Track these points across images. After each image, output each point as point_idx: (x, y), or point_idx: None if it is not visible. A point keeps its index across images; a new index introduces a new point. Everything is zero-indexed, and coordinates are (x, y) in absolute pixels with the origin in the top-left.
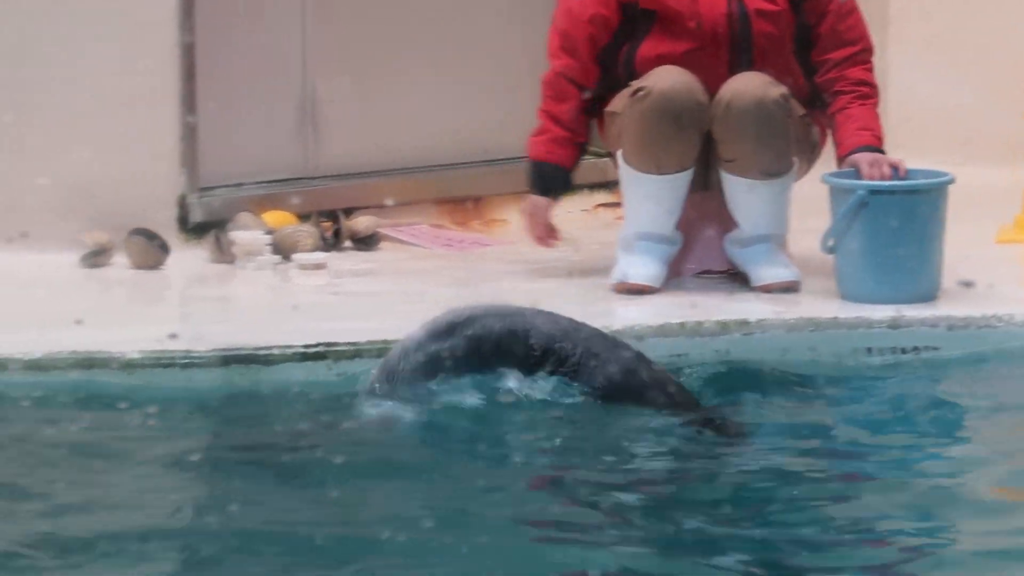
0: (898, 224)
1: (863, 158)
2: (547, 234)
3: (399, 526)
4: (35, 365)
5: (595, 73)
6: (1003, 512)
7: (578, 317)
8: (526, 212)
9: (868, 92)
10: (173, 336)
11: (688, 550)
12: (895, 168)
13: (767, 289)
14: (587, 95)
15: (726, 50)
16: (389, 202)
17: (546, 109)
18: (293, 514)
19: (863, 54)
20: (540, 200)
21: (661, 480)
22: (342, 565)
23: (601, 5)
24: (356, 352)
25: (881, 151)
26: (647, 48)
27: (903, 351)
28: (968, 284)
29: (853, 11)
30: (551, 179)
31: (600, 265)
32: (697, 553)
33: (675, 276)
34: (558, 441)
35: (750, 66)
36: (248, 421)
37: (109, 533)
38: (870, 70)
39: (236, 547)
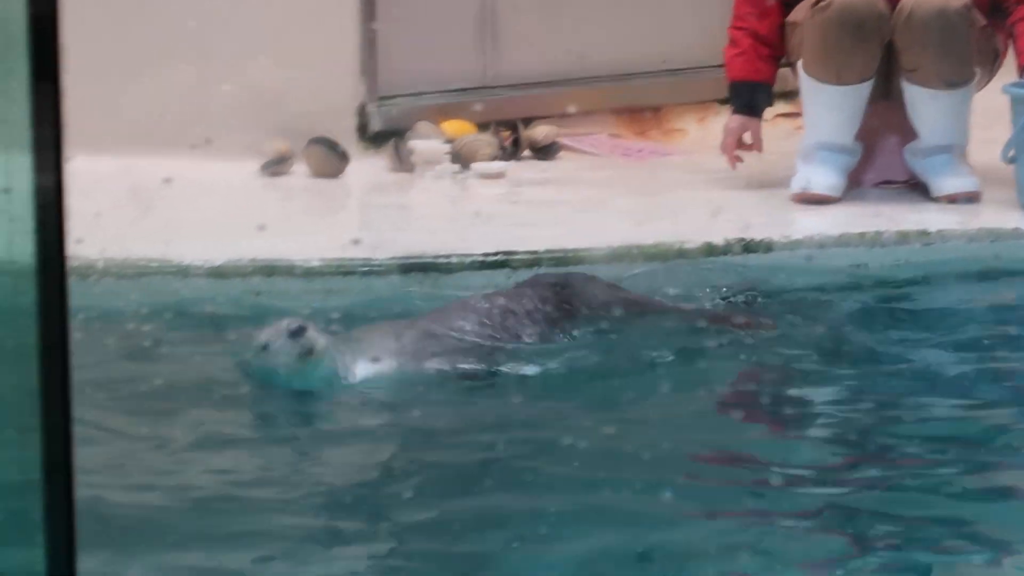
0: None
1: None
2: (745, 147)
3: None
4: (217, 272)
5: None
6: None
7: (758, 227)
8: (730, 131)
9: None
10: (356, 242)
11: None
12: None
13: (947, 199)
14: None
15: None
16: (571, 109)
17: (746, 26)
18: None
19: None
20: (744, 119)
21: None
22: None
23: None
24: (535, 260)
25: None
26: None
27: None
28: None
29: None
30: (757, 97)
31: (780, 175)
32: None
33: (855, 186)
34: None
35: None
36: None
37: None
38: None
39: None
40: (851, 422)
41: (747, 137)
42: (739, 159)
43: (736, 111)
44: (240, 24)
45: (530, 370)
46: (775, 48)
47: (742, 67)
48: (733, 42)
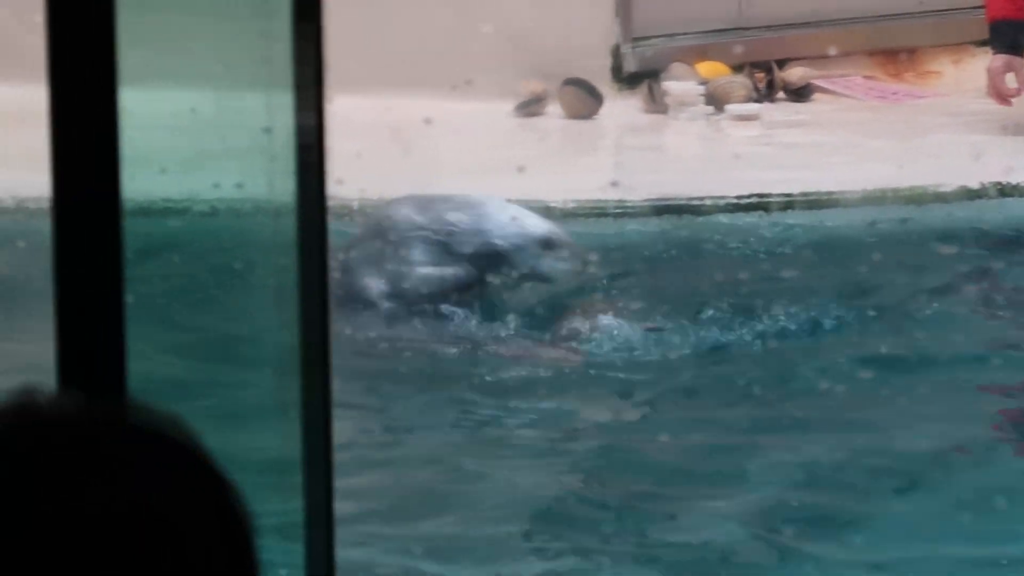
0: None
1: None
2: (1011, 94)
3: None
4: None
5: None
6: None
7: (1018, 169)
8: (995, 72)
9: None
10: (614, 183)
11: None
12: None
13: None
14: None
15: None
16: (832, 51)
17: None
18: None
19: None
20: (1008, 59)
21: None
22: None
23: None
24: (789, 203)
25: None
26: None
27: None
28: None
29: None
30: (1019, 36)
31: None
32: None
33: None
34: None
35: None
36: (679, 268)
37: None
38: None
39: None
40: None
41: (1010, 79)
42: (1009, 101)
43: (997, 51)
44: None
45: None
46: None
47: (1002, 6)
48: None
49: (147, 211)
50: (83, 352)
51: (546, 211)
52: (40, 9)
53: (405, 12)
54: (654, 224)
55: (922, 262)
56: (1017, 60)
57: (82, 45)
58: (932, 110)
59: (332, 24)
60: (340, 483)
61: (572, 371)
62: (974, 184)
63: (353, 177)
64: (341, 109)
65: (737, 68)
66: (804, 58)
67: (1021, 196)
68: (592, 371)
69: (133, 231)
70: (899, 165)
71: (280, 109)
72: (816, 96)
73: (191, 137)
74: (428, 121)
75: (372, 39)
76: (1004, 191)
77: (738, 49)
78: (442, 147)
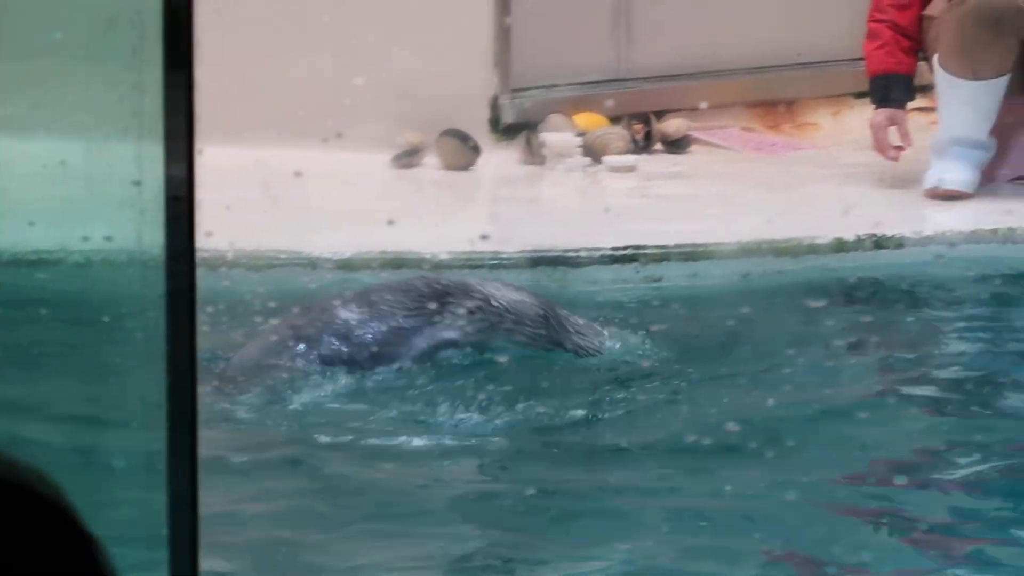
0: None
1: None
2: (896, 148)
3: None
4: (345, 264)
5: None
6: None
7: (891, 222)
8: (877, 126)
9: None
10: (485, 237)
11: None
12: None
13: None
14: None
15: None
16: (703, 105)
17: (886, 18)
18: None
19: None
20: (890, 112)
21: None
22: None
23: None
24: (664, 255)
25: None
26: None
27: None
28: None
29: None
30: (900, 90)
31: (913, 170)
32: None
33: (988, 182)
34: None
35: None
36: None
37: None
38: None
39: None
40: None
41: (892, 134)
42: (896, 157)
43: (879, 105)
44: (374, 16)
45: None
46: (916, 40)
47: (884, 60)
48: (873, 35)
49: (17, 262)
50: None
51: (419, 262)
52: None
53: (279, 63)
54: (529, 276)
55: (792, 314)
56: (899, 114)
57: None
58: (810, 162)
59: (203, 75)
60: None
61: None
62: (849, 236)
63: (223, 229)
64: (212, 160)
65: (615, 119)
66: (682, 110)
67: (896, 247)
68: None
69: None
70: (775, 217)
71: (150, 160)
72: (694, 148)
73: (61, 188)
74: (298, 174)
75: (245, 90)
76: (879, 243)
77: (616, 101)
78: (315, 199)
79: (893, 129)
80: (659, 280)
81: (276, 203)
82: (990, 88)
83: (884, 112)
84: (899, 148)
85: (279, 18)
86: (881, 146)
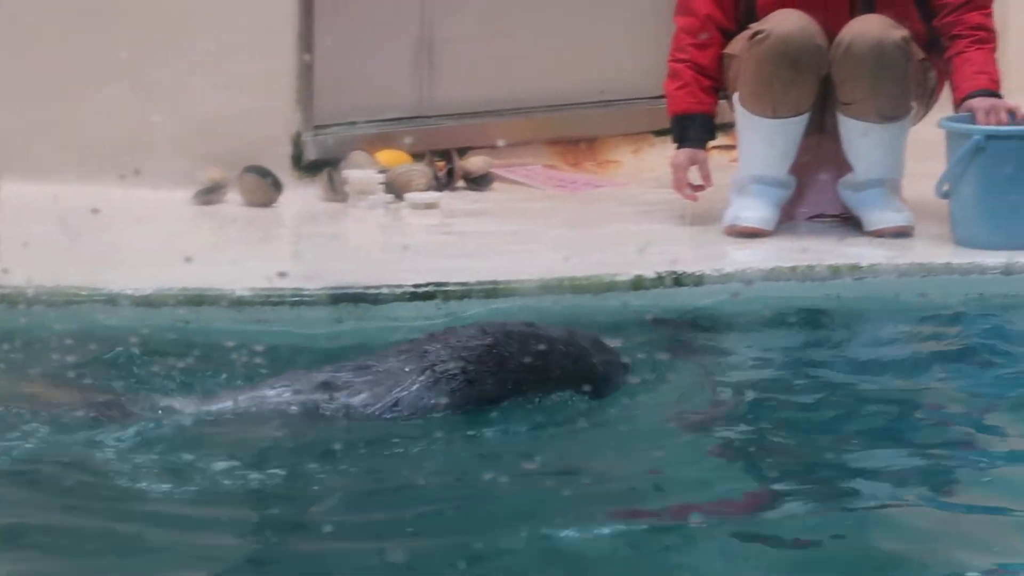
0: (1012, 170)
1: (979, 103)
2: (696, 187)
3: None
4: (145, 301)
5: (736, 13)
6: None
7: (690, 260)
8: (678, 166)
9: (985, 36)
10: (282, 275)
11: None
12: (1012, 113)
13: (880, 234)
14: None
15: None
16: (501, 143)
17: (687, 58)
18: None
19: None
20: (691, 152)
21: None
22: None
23: None
24: (465, 292)
25: (998, 95)
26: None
27: (1016, 297)
28: None
29: None
30: (701, 129)
31: (713, 207)
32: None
33: (788, 220)
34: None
35: (870, 8)
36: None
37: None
38: (989, 15)
39: (330, 485)
40: (768, 454)
41: (693, 174)
42: (695, 196)
43: (681, 145)
44: (174, 52)
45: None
46: (716, 79)
47: (684, 99)
48: (674, 74)
49: None
50: None
51: (219, 299)
52: None
53: (77, 99)
54: (330, 313)
55: None
56: (700, 153)
57: None
58: (610, 199)
59: (1, 111)
60: None
61: None
62: (649, 273)
63: (21, 265)
64: (9, 197)
65: (418, 156)
66: (485, 147)
67: (695, 284)
68: None
69: None
70: (574, 254)
71: None
72: (496, 185)
73: None
74: (96, 211)
75: (42, 126)
76: (679, 280)
77: (419, 138)
78: (116, 235)
79: (694, 168)
80: (460, 317)
81: (75, 240)
82: (789, 127)
83: (685, 151)
84: (699, 187)
85: (77, 54)
86: (680, 185)
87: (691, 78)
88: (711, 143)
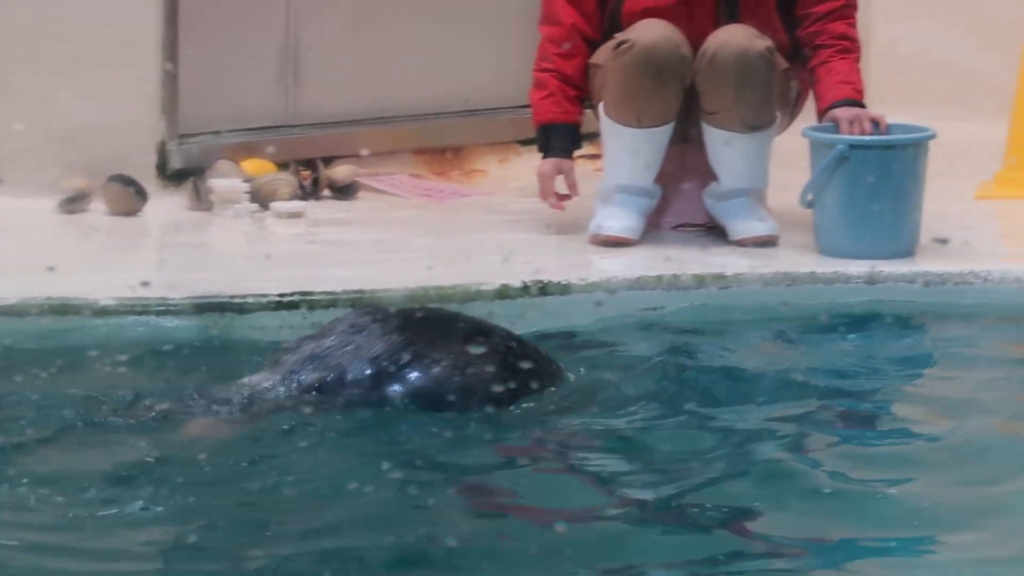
0: (875, 179)
1: (843, 112)
2: (562, 197)
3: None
4: (9, 311)
5: (600, 23)
6: (966, 467)
7: (555, 269)
8: (545, 176)
9: (849, 46)
10: (145, 284)
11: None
12: (875, 123)
13: (744, 243)
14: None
15: (711, 1)
16: (364, 152)
17: (552, 67)
18: (255, 466)
19: (846, 9)
20: (557, 162)
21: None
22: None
23: None
24: (331, 301)
25: (862, 105)
26: (632, 2)
27: (880, 305)
28: (943, 241)
29: None
30: (567, 139)
31: (578, 217)
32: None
33: (653, 229)
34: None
35: (734, 18)
36: (221, 369)
37: (72, 478)
38: (853, 25)
39: (200, 501)
40: (628, 467)
41: (559, 183)
42: (560, 205)
43: (547, 155)
44: (37, 61)
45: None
46: (582, 89)
47: (550, 109)
48: (539, 84)
49: None
50: None
51: (83, 308)
52: None
53: None
54: (196, 322)
55: None
56: (566, 163)
57: None
58: (476, 208)
59: None
60: None
61: None
62: (515, 283)
63: None
64: None
65: (283, 165)
66: (350, 156)
67: (561, 294)
68: None
69: None
70: (439, 263)
71: None
72: (362, 194)
73: None
74: None
75: None
76: (544, 289)
77: (284, 147)
78: None
79: (560, 178)
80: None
81: None
82: (654, 136)
83: (550, 161)
84: (564, 197)
85: None
86: (546, 194)
87: (556, 88)
88: (577, 153)
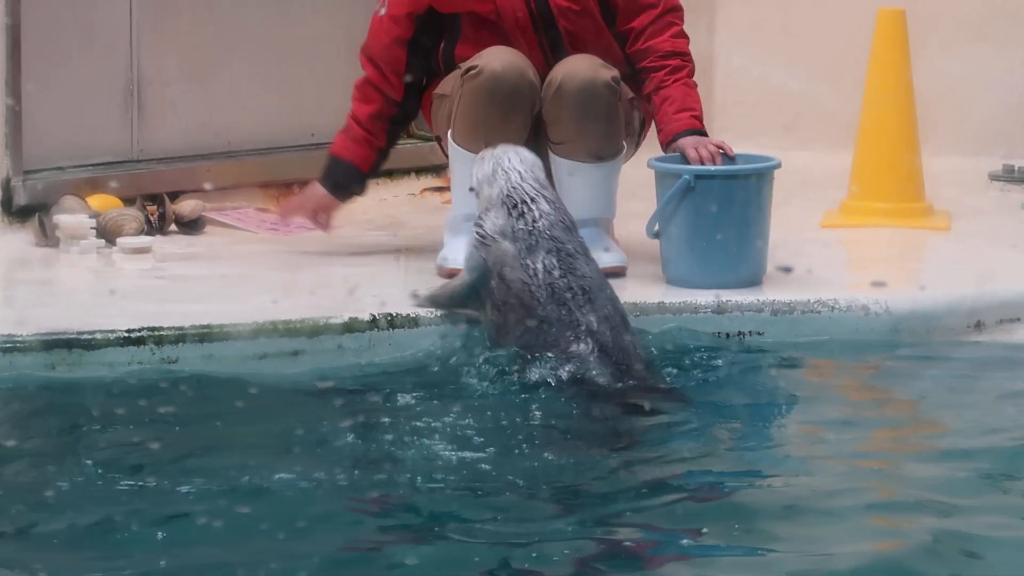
0: (719, 209)
1: (687, 142)
2: (311, 218)
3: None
4: None
5: (399, 87)
6: (814, 496)
7: (404, 301)
8: (308, 197)
9: (679, 64)
10: None
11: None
12: (722, 150)
13: None
14: (394, 107)
15: (532, 33)
16: (209, 187)
17: (352, 110)
18: (117, 503)
19: (666, 16)
20: (322, 192)
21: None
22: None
23: (397, 28)
24: (180, 336)
25: (703, 132)
26: (462, 49)
27: (727, 336)
28: (787, 269)
29: None
30: (343, 175)
31: (426, 248)
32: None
33: None
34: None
35: (562, 48)
36: (70, 406)
37: None
38: (679, 35)
39: (49, 532)
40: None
41: (318, 215)
42: (287, 231)
43: (323, 183)
44: None
45: None
46: (374, 137)
47: (338, 144)
48: (345, 124)
49: None
50: None
51: None
52: None
53: None
54: (43, 359)
55: (306, 396)
56: (335, 203)
57: None
58: (323, 242)
59: None
60: None
61: None
62: (364, 316)
63: None
64: None
65: (129, 201)
66: (197, 191)
67: (411, 326)
68: None
69: None
70: (286, 296)
71: None
72: (209, 228)
73: None
74: None
75: None
76: (393, 322)
77: (129, 182)
78: None
79: (319, 211)
80: (175, 361)
81: None
82: None
83: (324, 193)
84: (316, 226)
85: None
86: (290, 210)
87: (349, 127)
88: (420, 186)
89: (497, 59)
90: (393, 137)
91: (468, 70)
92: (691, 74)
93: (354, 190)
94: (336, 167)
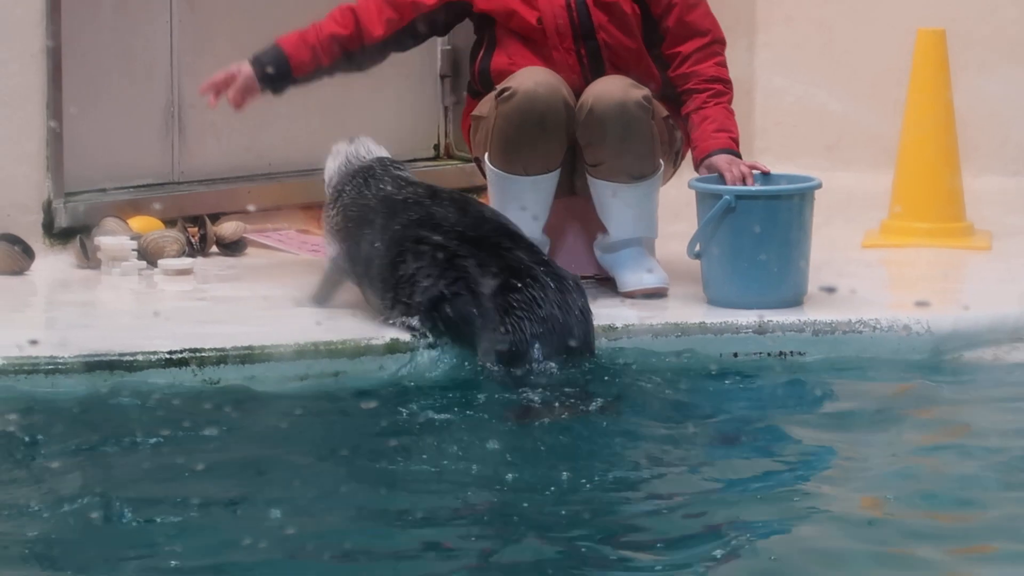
0: (760, 229)
1: (721, 160)
2: (227, 90)
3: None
4: None
5: (379, 36)
6: (854, 519)
7: None
8: (232, 66)
9: (721, 89)
10: (33, 342)
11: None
12: (756, 169)
13: (633, 295)
14: (358, 44)
15: (571, 43)
16: (251, 208)
17: (320, 21)
18: (160, 525)
19: (714, 45)
20: (248, 72)
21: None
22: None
23: None
24: (221, 358)
25: (737, 153)
26: (498, 61)
27: (769, 356)
28: (830, 290)
29: (700, 3)
30: (273, 64)
31: None
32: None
33: None
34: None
35: (600, 62)
36: (112, 428)
37: None
38: (723, 64)
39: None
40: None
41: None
42: (213, 102)
43: (253, 64)
44: None
45: None
46: (322, 50)
47: (289, 37)
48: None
49: None
50: None
51: None
52: None
53: None
54: (85, 380)
55: (348, 417)
56: (251, 77)
57: None
58: None
59: None
60: None
61: None
62: (405, 337)
63: None
64: None
65: (171, 222)
66: (239, 212)
67: (452, 347)
68: None
69: None
70: (328, 318)
71: None
72: (250, 250)
73: None
74: None
75: None
76: (435, 344)
77: (171, 203)
78: None
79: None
80: (217, 383)
81: None
82: (540, 184)
83: (242, 64)
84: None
85: None
86: (209, 87)
87: (308, 29)
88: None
89: (530, 79)
90: (337, 66)
91: (502, 92)
92: (731, 101)
93: (276, 85)
94: (271, 53)
